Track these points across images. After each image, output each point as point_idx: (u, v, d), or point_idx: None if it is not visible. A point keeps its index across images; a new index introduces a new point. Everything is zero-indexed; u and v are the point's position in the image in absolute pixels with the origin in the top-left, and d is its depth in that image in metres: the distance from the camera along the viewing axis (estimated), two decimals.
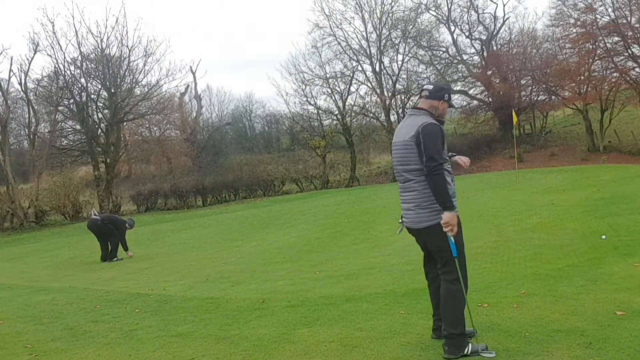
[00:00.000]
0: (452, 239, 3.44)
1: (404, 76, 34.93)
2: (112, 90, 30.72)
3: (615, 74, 28.65)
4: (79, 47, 29.68)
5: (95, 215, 12.95)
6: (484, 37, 36.58)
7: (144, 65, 31.61)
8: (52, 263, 12.78)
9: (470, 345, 3.44)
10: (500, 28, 36.09)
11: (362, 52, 34.78)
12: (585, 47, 28.77)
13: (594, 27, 28.01)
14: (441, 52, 37.14)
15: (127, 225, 12.13)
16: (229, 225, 17.26)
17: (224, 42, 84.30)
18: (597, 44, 28.39)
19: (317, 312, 4.81)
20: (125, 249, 11.89)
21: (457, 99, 37.83)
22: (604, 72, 29.63)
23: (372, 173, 35.03)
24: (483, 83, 35.29)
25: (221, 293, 6.63)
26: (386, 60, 35.14)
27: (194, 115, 44.48)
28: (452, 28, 36.43)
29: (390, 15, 34.43)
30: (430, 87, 3.71)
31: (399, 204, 3.72)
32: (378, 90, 34.26)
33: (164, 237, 16.05)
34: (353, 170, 32.72)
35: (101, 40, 30.17)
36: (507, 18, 36.98)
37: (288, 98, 37.20)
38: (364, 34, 34.51)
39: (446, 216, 3.39)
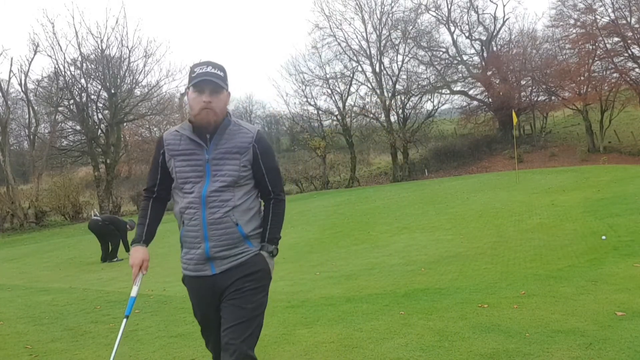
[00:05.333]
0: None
1: (404, 77, 35.01)
2: (112, 91, 30.73)
3: (615, 75, 28.66)
4: (79, 48, 29.75)
5: (96, 215, 12.98)
6: (483, 38, 36.58)
7: (144, 65, 31.81)
8: (52, 264, 12.78)
9: None
10: (500, 29, 36.15)
11: (362, 52, 34.82)
12: (585, 47, 28.77)
13: (594, 28, 28.02)
14: (441, 53, 37.13)
15: (128, 226, 12.15)
16: None
17: (224, 43, 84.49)
18: (597, 44, 28.39)
19: (317, 313, 4.80)
20: (127, 249, 11.89)
21: (457, 100, 37.87)
22: (604, 73, 29.64)
23: (372, 173, 35.03)
24: (483, 84, 35.28)
25: None
26: (386, 61, 35.22)
27: None
28: (452, 29, 36.50)
29: (390, 15, 34.49)
30: None
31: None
32: (378, 91, 34.27)
33: (164, 238, 15.98)
34: (353, 170, 32.71)
35: (101, 40, 30.25)
36: (507, 19, 37.11)
37: (288, 99, 37.42)
38: (364, 34, 34.57)
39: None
